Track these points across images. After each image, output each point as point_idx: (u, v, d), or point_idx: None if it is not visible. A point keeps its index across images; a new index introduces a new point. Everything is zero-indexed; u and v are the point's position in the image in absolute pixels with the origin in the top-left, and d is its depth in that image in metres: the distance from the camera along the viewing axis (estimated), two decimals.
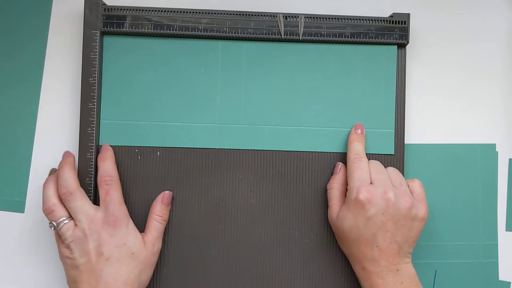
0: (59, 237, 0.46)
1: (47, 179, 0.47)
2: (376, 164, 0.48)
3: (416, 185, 0.48)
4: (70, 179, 0.46)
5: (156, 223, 0.48)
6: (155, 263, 0.48)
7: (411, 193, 0.47)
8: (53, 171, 0.49)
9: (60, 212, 0.46)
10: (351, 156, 0.48)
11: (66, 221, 0.45)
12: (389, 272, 0.45)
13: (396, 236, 0.45)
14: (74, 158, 0.49)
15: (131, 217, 0.48)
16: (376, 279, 0.45)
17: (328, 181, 0.50)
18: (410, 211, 0.46)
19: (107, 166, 0.48)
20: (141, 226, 0.48)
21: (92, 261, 0.44)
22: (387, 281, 0.45)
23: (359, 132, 0.50)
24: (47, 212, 0.46)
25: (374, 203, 0.45)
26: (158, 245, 0.48)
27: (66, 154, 0.49)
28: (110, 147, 0.49)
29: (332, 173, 0.50)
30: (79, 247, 0.45)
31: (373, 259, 0.45)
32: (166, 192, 0.49)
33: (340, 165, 0.49)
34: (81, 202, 0.46)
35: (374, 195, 0.45)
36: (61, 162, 0.48)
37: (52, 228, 0.46)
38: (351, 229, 0.46)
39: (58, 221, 0.45)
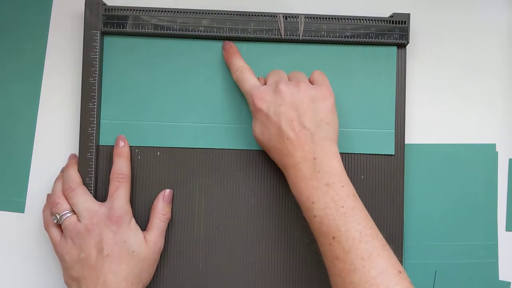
0: (57, 234, 0.47)
1: (57, 177, 0.49)
2: (273, 71, 0.48)
3: (315, 74, 0.48)
4: (73, 176, 0.48)
5: (159, 222, 0.48)
6: (157, 262, 0.48)
7: (313, 83, 0.47)
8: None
9: (64, 205, 0.46)
10: (234, 74, 0.48)
11: (69, 214, 0.46)
12: (306, 162, 0.43)
13: (304, 122, 0.44)
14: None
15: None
16: (294, 172, 0.44)
17: None
18: (307, 93, 0.45)
19: (122, 164, 0.48)
20: (141, 226, 0.48)
21: (92, 256, 0.45)
22: (304, 172, 0.43)
23: (229, 48, 0.49)
24: (52, 205, 0.47)
25: (268, 99, 0.45)
26: (160, 244, 0.48)
27: (71, 156, 0.50)
28: (126, 142, 0.49)
29: None
30: (81, 242, 0.45)
31: (288, 153, 0.44)
32: (167, 190, 0.49)
33: None
34: (83, 198, 0.47)
35: (266, 93, 0.45)
36: (66, 163, 0.50)
37: (55, 221, 0.46)
38: (263, 134, 0.45)
39: (61, 214, 0.46)
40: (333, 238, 0.40)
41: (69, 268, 0.45)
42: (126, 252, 0.45)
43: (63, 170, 0.49)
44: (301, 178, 0.43)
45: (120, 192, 0.47)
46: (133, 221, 0.47)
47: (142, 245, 0.46)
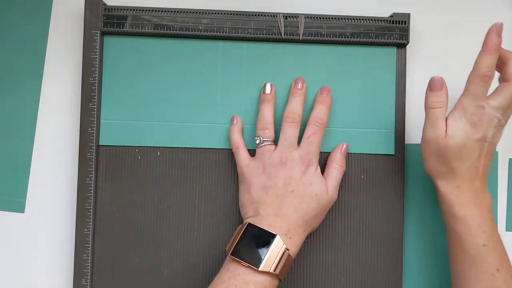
0: (247, 156, 0.49)
1: (264, 106, 0.49)
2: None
3: None
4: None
5: (336, 172, 0.49)
6: (327, 211, 0.48)
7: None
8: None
9: (269, 133, 0.48)
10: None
11: (269, 142, 0.48)
12: (486, 194, 0.45)
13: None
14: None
15: (132, 218, 0.48)
16: (469, 196, 0.45)
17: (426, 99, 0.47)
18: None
19: (322, 109, 0.49)
20: (140, 227, 0.48)
21: (278, 187, 0.46)
22: (485, 201, 0.45)
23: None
24: (262, 127, 0.48)
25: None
26: (336, 194, 0.48)
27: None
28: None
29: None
30: (271, 171, 0.46)
31: (472, 176, 0.45)
32: (344, 144, 0.50)
33: (435, 79, 0.47)
34: (291, 132, 0.48)
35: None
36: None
37: (257, 142, 0.48)
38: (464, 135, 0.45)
39: (264, 139, 0.48)
40: (497, 270, 0.43)
41: (253, 191, 0.47)
42: (310, 193, 0.46)
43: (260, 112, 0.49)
44: (478, 205, 0.44)
45: (314, 137, 0.47)
46: (319, 168, 0.48)
47: (325, 191, 0.47)
